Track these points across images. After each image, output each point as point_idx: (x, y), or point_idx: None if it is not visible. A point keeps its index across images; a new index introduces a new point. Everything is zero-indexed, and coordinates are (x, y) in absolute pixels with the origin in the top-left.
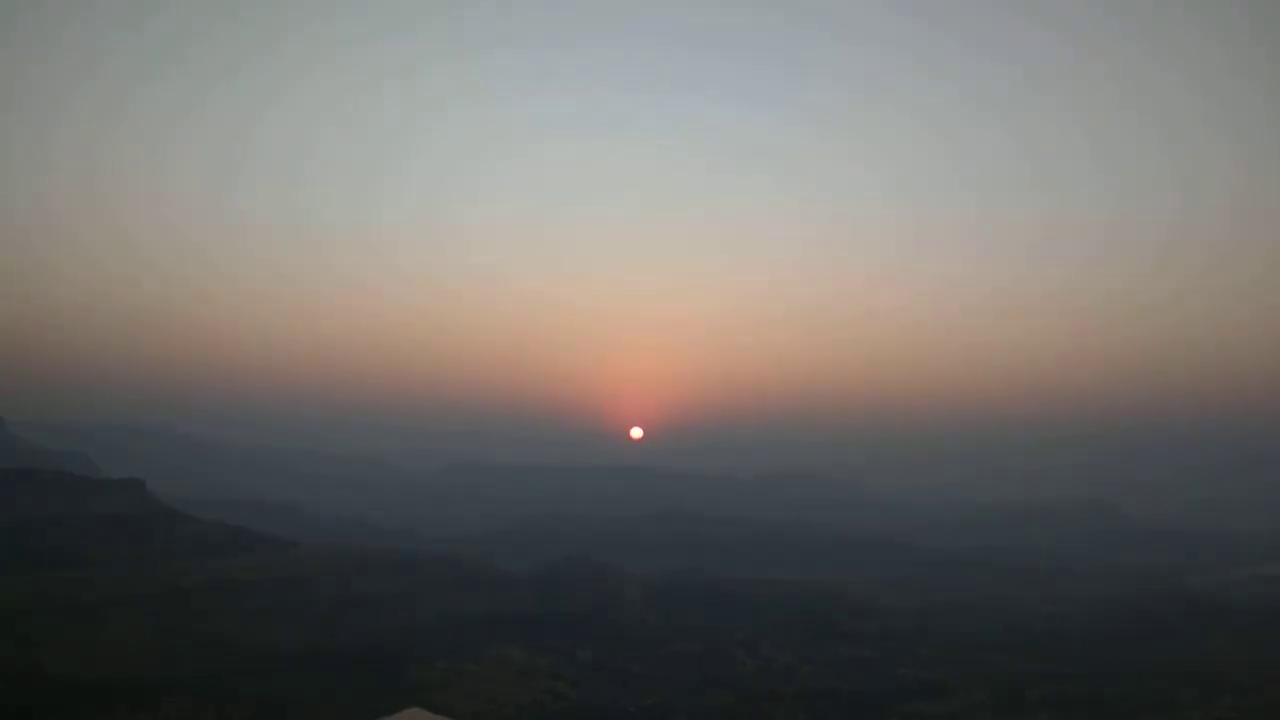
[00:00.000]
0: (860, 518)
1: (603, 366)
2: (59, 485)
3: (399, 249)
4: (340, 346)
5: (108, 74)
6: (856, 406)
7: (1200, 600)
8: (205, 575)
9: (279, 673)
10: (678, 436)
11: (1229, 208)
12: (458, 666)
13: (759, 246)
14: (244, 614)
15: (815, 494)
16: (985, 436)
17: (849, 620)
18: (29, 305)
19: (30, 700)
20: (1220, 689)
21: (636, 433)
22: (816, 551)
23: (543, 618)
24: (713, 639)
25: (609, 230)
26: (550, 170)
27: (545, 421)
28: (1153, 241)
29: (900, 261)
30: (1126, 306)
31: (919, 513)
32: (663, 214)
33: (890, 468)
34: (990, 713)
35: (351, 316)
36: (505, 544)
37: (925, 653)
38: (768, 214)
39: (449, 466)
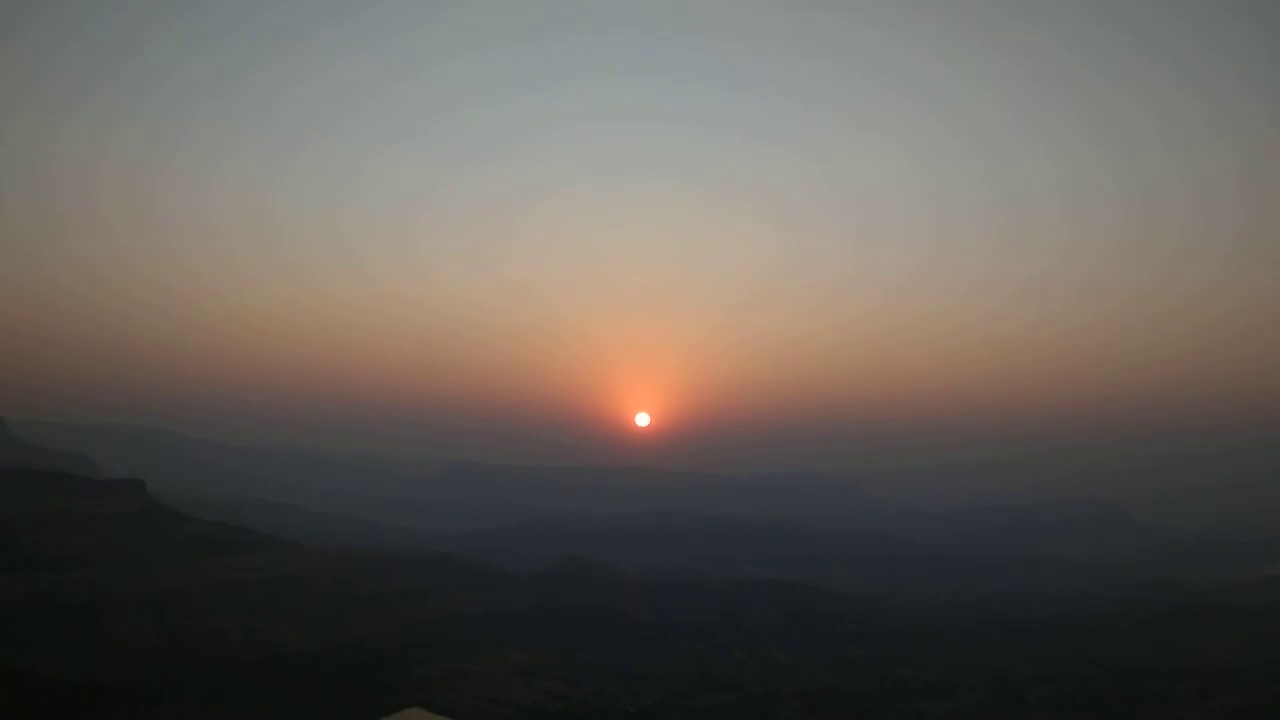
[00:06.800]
0: (860, 518)
1: (603, 366)
2: (59, 485)
3: (398, 248)
4: (341, 347)
5: (110, 79)
6: (858, 407)
7: (1201, 600)
8: (206, 575)
9: (279, 673)
10: (678, 437)
11: (1241, 213)
12: (458, 666)
13: (766, 247)
14: (244, 614)
15: (815, 494)
16: (987, 438)
17: (849, 620)
18: (29, 306)
19: (30, 700)
20: (1220, 688)
21: (642, 420)
22: (816, 551)
23: (543, 618)
24: (713, 639)
25: (611, 229)
26: (552, 167)
27: (545, 421)
28: (1166, 247)
29: (908, 264)
30: (1134, 312)
31: (919, 513)
32: (667, 212)
33: (891, 468)
34: (990, 713)
35: (352, 316)
36: (505, 544)
37: (925, 653)
38: (773, 214)
39: (449, 466)
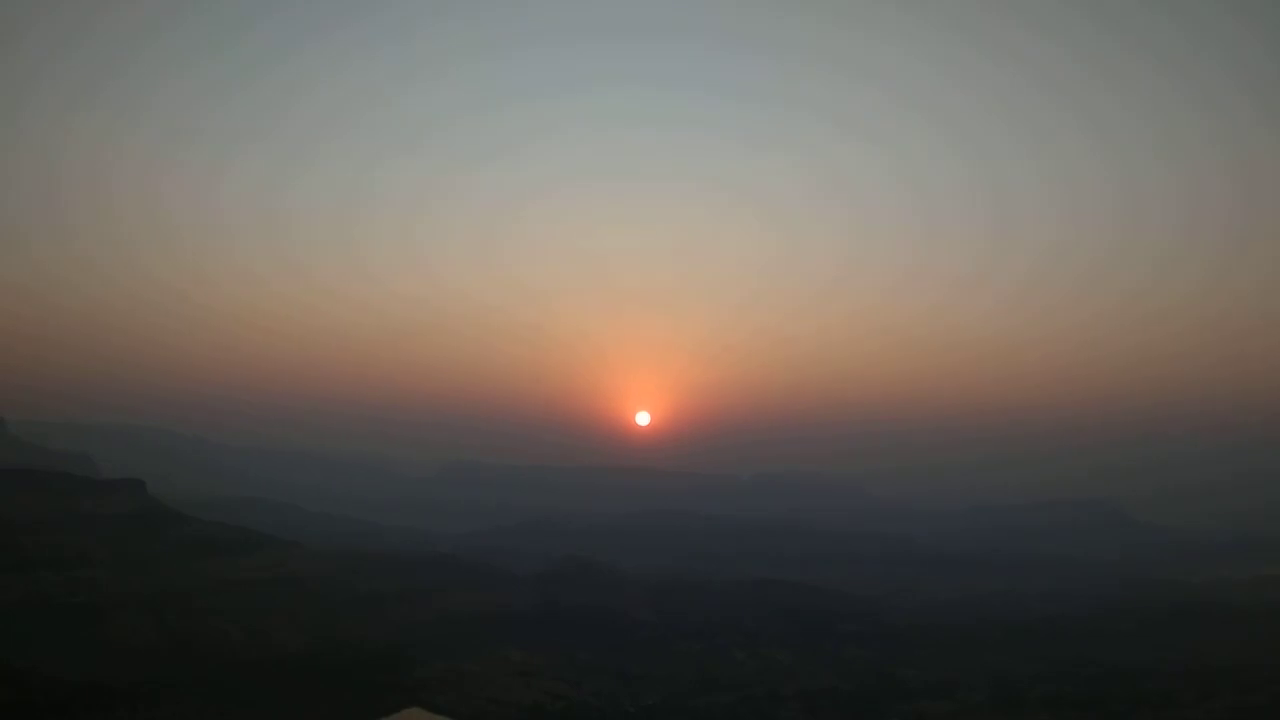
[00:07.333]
0: (860, 518)
1: (604, 366)
2: (59, 485)
3: (398, 247)
4: (341, 347)
5: (115, 81)
6: (858, 406)
7: (1201, 600)
8: (206, 575)
9: (279, 673)
10: (678, 437)
11: (1233, 212)
12: (458, 666)
13: (762, 247)
14: (244, 614)
15: (815, 494)
16: (987, 438)
17: (849, 620)
18: (29, 305)
19: (30, 700)
20: (1220, 688)
21: (642, 419)
22: (816, 551)
23: (543, 618)
24: (712, 639)
25: (610, 230)
26: (553, 170)
27: (545, 421)
28: (1160, 245)
29: (905, 262)
30: (1135, 311)
31: (919, 513)
32: (666, 213)
33: (891, 468)
34: (990, 713)
35: (350, 316)
36: (505, 544)
37: (925, 653)
38: (773, 215)
39: (449, 466)
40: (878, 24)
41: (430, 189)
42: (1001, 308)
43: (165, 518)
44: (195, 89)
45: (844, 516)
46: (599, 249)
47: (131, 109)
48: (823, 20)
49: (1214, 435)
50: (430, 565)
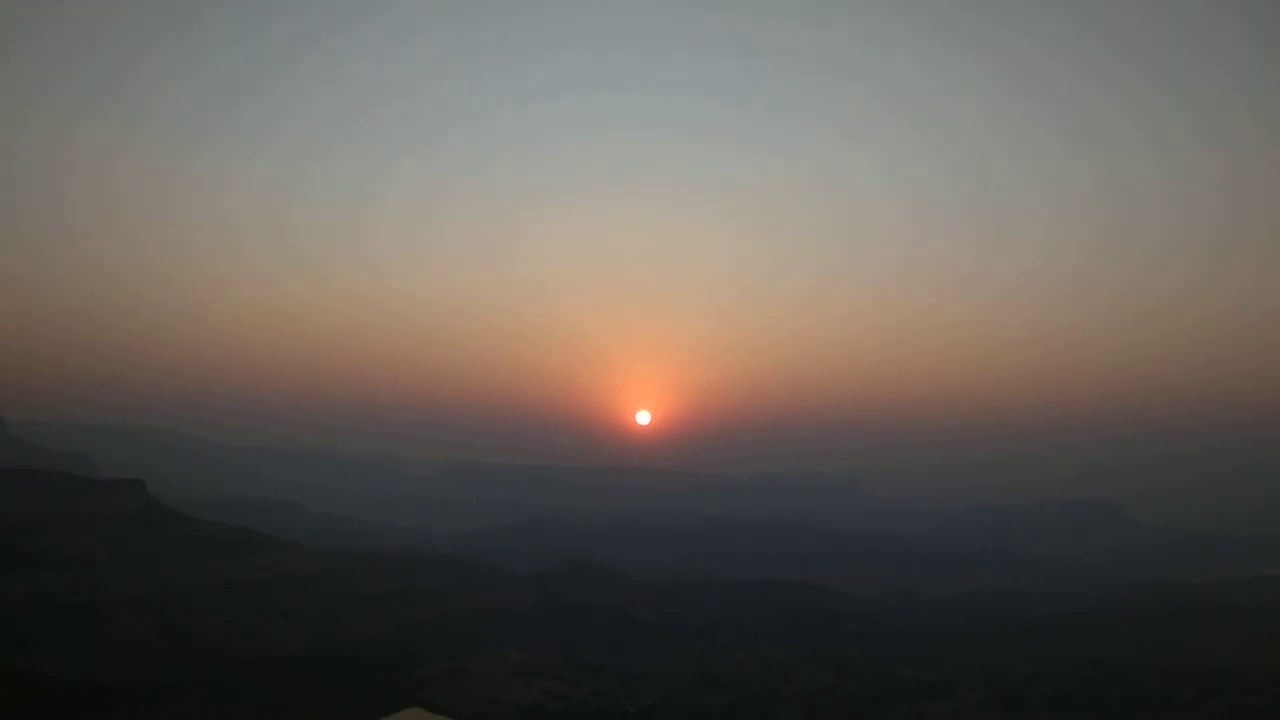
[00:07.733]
0: (860, 518)
1: (604, 366)
2: (59, 485)
3: (398, 247)
4: (341, 347)
5: (125, 84)
6: (857, 407)
7: (1201, 600)
8: (206, 576)
9: (279, 673)
10: (678, 436)
11: (1226, 211)
12: (458, 666)
13: (761, 247)
14: (244, 614)
15: (815, 494)
16: (987, 438)
17: (849, 620)
18: (30, 305)
19: (30, 700)
20: (1220, 688)
21: (642, 419)
22: (816, 551)
23: (543, 618)
24: (713, 639)
25: (611, 231)
26: (551, 168)
27: (545, 421)
28: (1149, 245)
29: (903, 262)
30: (1131, 310)
31: (919, 513)
32: (665, 214)
33: (891, 468)
34: (990, 713)
35: (351, 316)
36: (506, 543)
37: (925, 653)
38: (771, 216)
39: (449, 466)
40: (869, 28)
41: (437, 192)
42: (1006, 307)
43: (166, 518)
44: (204, 92)
45: (844, 516)
46: (599, 250)
47: (141, 111)
48: (821, 26)
49: (1216, 433)
50: (430, 565)
